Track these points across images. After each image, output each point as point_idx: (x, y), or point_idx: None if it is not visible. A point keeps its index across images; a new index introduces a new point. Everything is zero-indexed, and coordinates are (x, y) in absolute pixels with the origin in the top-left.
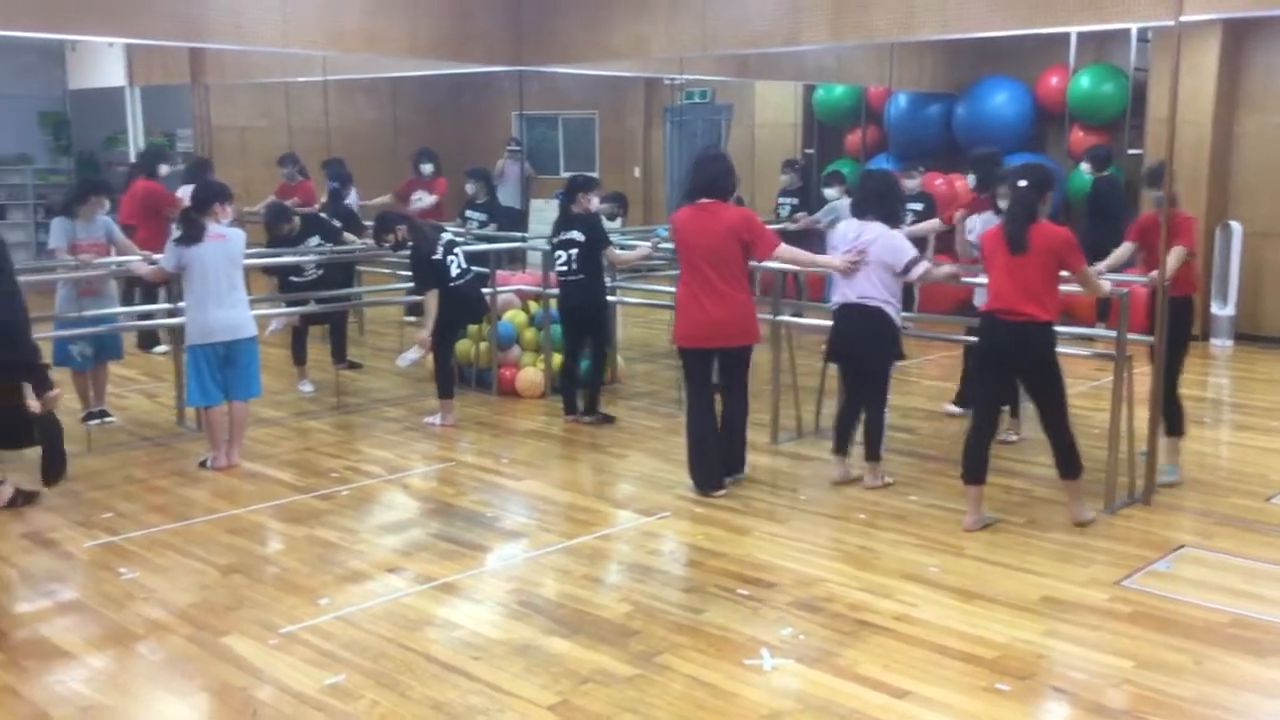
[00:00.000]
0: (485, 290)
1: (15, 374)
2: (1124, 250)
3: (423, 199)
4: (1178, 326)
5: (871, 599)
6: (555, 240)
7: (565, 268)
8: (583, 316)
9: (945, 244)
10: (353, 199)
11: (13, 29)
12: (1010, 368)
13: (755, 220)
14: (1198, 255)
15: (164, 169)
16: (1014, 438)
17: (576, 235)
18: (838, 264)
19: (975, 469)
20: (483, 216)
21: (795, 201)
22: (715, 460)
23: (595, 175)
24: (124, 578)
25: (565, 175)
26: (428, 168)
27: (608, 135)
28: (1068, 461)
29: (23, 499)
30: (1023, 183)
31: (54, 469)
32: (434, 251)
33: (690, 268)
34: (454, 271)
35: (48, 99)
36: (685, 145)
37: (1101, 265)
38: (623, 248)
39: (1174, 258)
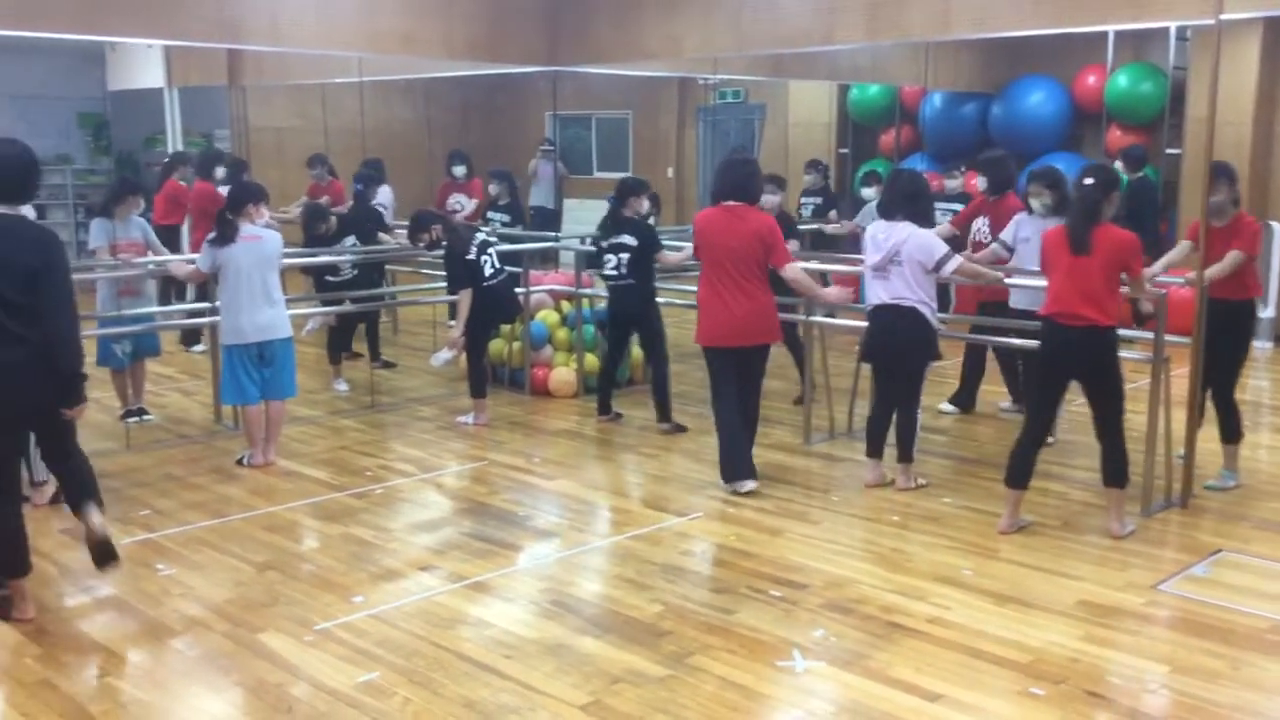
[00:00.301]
0: (518, 290)
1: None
2: (1179, 250)
3: (463, 206)
4: (1238, 331)
5: (904, 601)
6: (605, 244)
7: (615, 272)
8: (632, 322)
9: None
10: (387, 198)
11: (54, 31)
12: (1071, 373)
13: (779, 230)
14: (1257, 258)
15: (220, 171)
16: (1050, 440)
17: (628, 240)
18: (831, 297)
19: (1019, 474)
20: (505, 217)
21: (818, 201)
22: (748, 452)
23: (644, 178)
24: (161, 574)
25: (598, 175)
26: (460, 169)
27: (641, 135)
28: (1116, 469)
29: (64, 496)
30: (1088, 181)
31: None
32: (468, 251)
33: (713, 268)
34: (487, 271)
35: (87, 100)
36: (718, 145)
37: (1157, 266)
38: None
39: (1229, 261)
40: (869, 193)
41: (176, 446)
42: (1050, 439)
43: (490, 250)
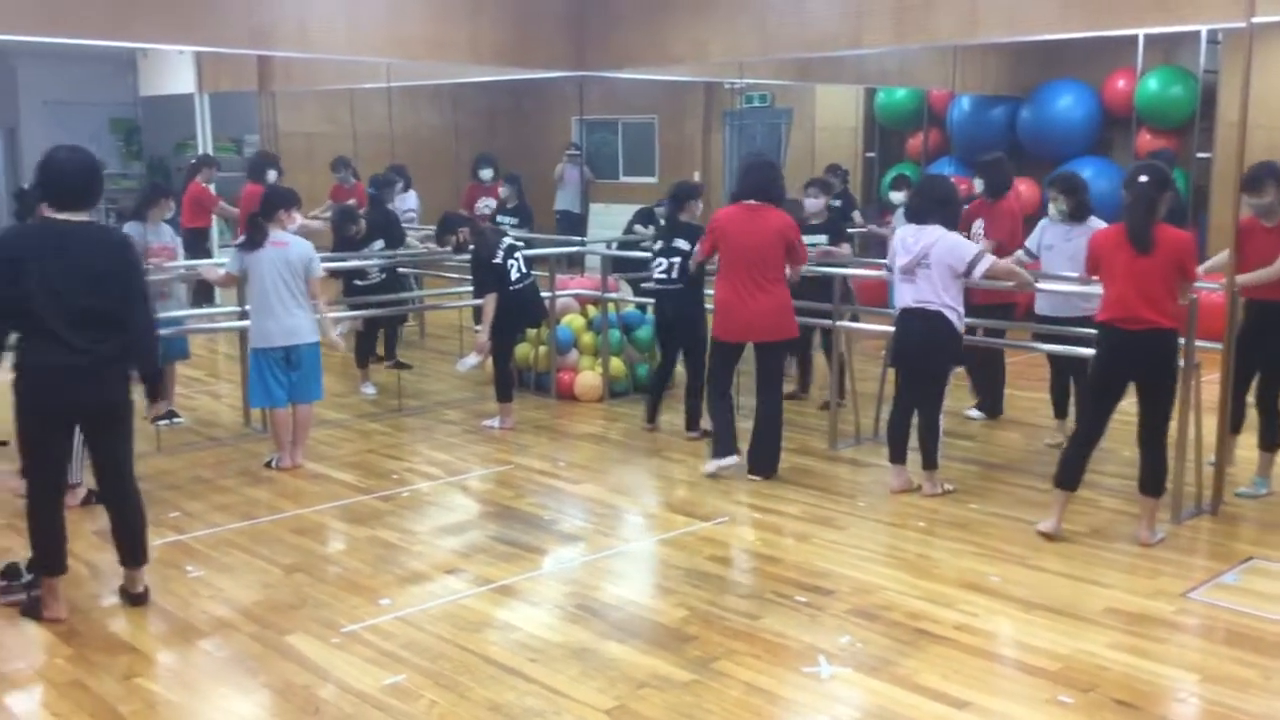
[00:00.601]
0: (544, 295)
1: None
2: (1223, 256)
3: (491, 209)
4: None
5: (931, 608)
6: (658, 248)
7: (665, 275)
8: (679, 326)
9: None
10: (414, 203)
11: (86, 37)
12: (1131, 376)
13: (798, 229)
14: None
15: (272, 174)
16: (1062, 439)
17: (682, 244)
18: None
19: (1070, 475)
20: (514, 220)
21: (837, 204)
22: (728, 432)
23: (700, 182)
24: (191, 576)
25: (624, 180)
26: (487, 173)
27: (667, 140)
28: (1155, 478)
29: (96, 498)
30: (1143, 178)
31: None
32: (494, 255)
33: (733, 265)
34: (514, 276)
35: (119, 105)
36: (745, 149)
37: (1200, 269)
38: None
39: (1277, 267)
40: (897, 197)
41: (206, 449)
42: (1064, 439)
43: (517, 255)
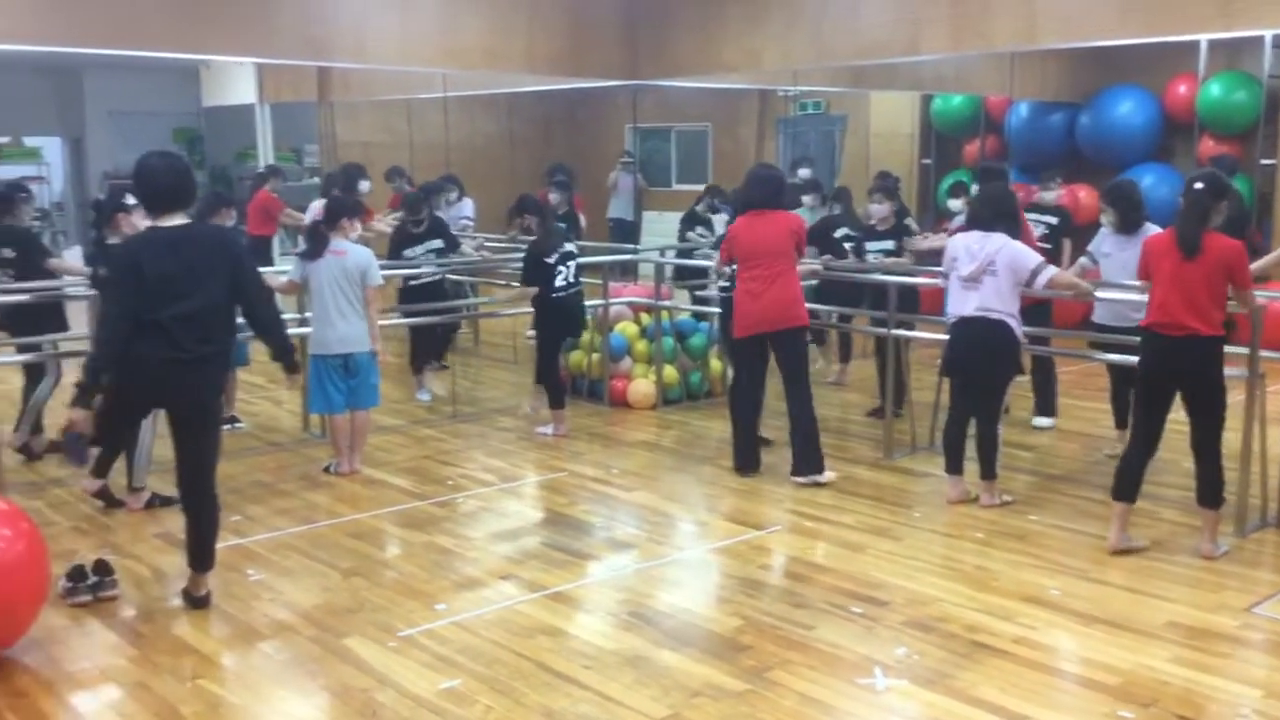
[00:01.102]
0: (599, 302)
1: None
2: (1271, 256)
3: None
4: None
5: (989, 620)
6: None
7: (729, 284)
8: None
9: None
10: (469, 210)
11: (151, 49)
12: (1172, 383)
13: (805, 227)
14: None
15: (365, 185)
16: (1112, 451)
17: None
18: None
19: (1126, 487)
20: (561, 226)
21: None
22: (754, 442)
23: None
24: (251, 579)
25: (677, 188)
26: (564, 182)
27: (720, 147)
28: (1212, 489)
29: (159, 502)
30: (1198, 185)
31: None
32: (548, 255)
33: (745, 266)
34: (559, 282)
35: (183, 115)
36: (798, 156)
37: (1254, 266)
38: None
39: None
40: (955, 204)
41: (266, 454)
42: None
43: (570, 263)
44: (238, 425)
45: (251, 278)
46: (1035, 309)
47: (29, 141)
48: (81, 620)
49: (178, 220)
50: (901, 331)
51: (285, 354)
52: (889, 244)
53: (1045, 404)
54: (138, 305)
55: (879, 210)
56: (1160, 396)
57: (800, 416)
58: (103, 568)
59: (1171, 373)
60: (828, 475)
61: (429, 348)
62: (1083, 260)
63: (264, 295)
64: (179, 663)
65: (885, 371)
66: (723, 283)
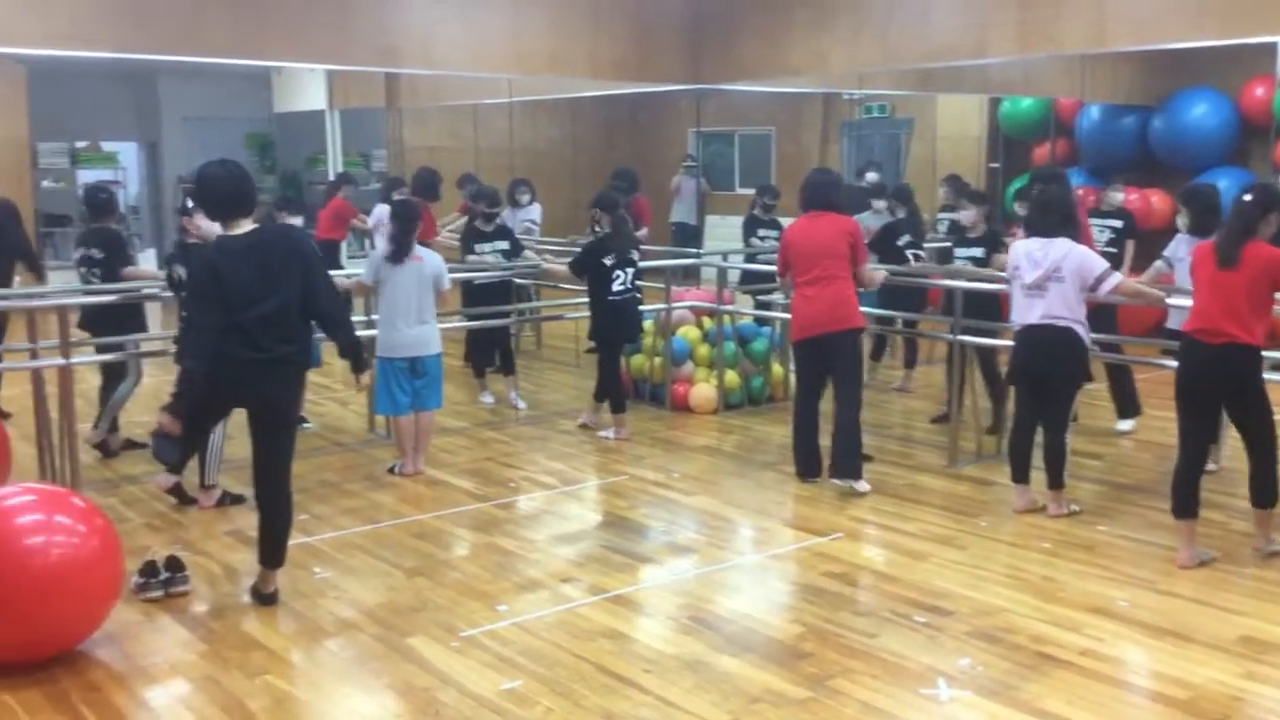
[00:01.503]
0: (660, 306)
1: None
2: None
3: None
4: None
5: (1055, 631)
6: None
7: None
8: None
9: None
10: (536, 214)
11: (224, 56)
12: (1212, 392)
13: (861, 231)
14: None
15: (470, 187)
16: (1212, 467)
17: None
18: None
19: (1186, 503)
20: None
21: (955, 216)
22: (815, 448)
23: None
24: (317, 577)
25: (740, 191)
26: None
27: (784, 151)
28: (1264, 489)
29: (230, 500)
30: (1247, 197)
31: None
32: (607, 255)
33: (800, 269)
34: (615, 286)
35: (254, 121)
36: (863, 160)
37: None
38: None
39: None
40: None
41: (333, 454)
42: (1212, 465)
43: (628, 269)
44: (305, 426)
45: (322, 278)
46: (1099, 312)
47: (106, 146)
48: (153, 615)
49: (246, 226)
50: (967, 338)
51: (355, 352)
52: (978, 252)
53: (1125, 406)
54: (222, 312)
55: (968, 216)
56: (1200, 404)
57: (844, 421)
58: (174, 564)
59: (1211, 381)
60: (862, 485)
61: (488, 350)
62: (1158, 264)
63: (335, 295)
64: (247, 658)
65: (952, 379)
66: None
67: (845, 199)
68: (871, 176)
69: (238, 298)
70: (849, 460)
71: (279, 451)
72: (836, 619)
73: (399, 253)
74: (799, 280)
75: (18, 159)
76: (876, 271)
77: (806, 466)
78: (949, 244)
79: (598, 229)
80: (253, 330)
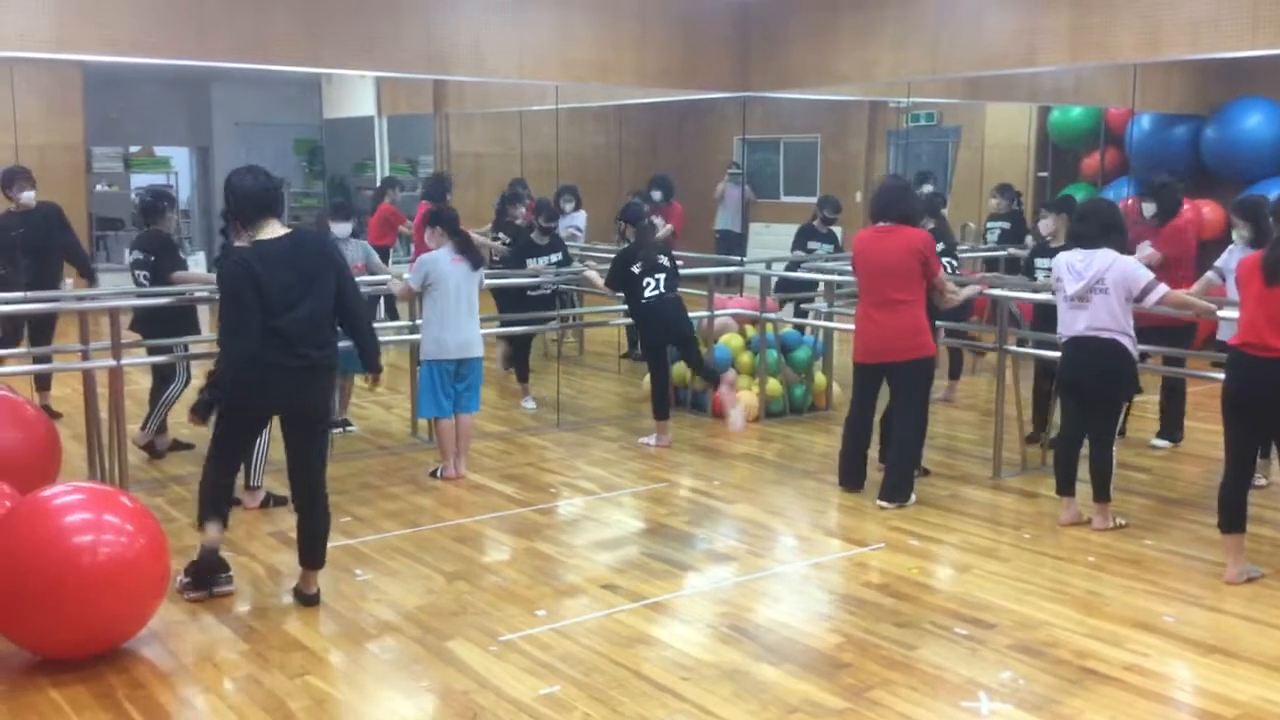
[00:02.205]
0: (703, 313)
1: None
2: None
3: (659, 228)
4: None
5: (1099, 646)
6: None
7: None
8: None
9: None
10: (580, 221)
11: (277, 64)
12: (1259, 407)
13: (934, 244)
14: None
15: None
16: (1263, 481)
17: None
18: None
19: (1233, 517)
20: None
21: (1005, 226)
22: (862, 462)
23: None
24: (359, 579)
25: (785, 200)
26: (658, 194)
27: (830, 159)
28: None
29: (274, 501)
30: None
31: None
32: (632, 264)
33: (867, 286)
34: (648, 292)
35: (304, 127)
36: (909, 169)
37: None
38: None
39: None
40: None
41: (375, 457)
42: (1262, 480)
43: (658, 274)
44: (349, 429)
45: (352, 284)
46: (1174, 330)
47: (159, 151)
48: (198, 615)
49: (277, 230)
50: (1014, 348)
51: (376, 360)
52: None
53: (1170, 426)
54: (258, 317)
55: (1048, 226)
56: (1248, 419)
57: (902, 446)
58: (219, 564)
59: (1259, 395)
60: (911, 502)
61: (527, 356)
62: (1209, 275)
63: (362, 302)
64: (288, 659)
65: (1000, 390)
66: None
67: (920, 208)
68: (926, 189)
69: (274, 300)
70: (899, 483)
71: (316, 454)
72: (876, 630)
73: (467, 255)
74: (865, 298)
75: (73, 163)
76: (957, 292)
77: (849, 477)
78: (1028, 253)
79: (627, 239)
80: (290, 335)
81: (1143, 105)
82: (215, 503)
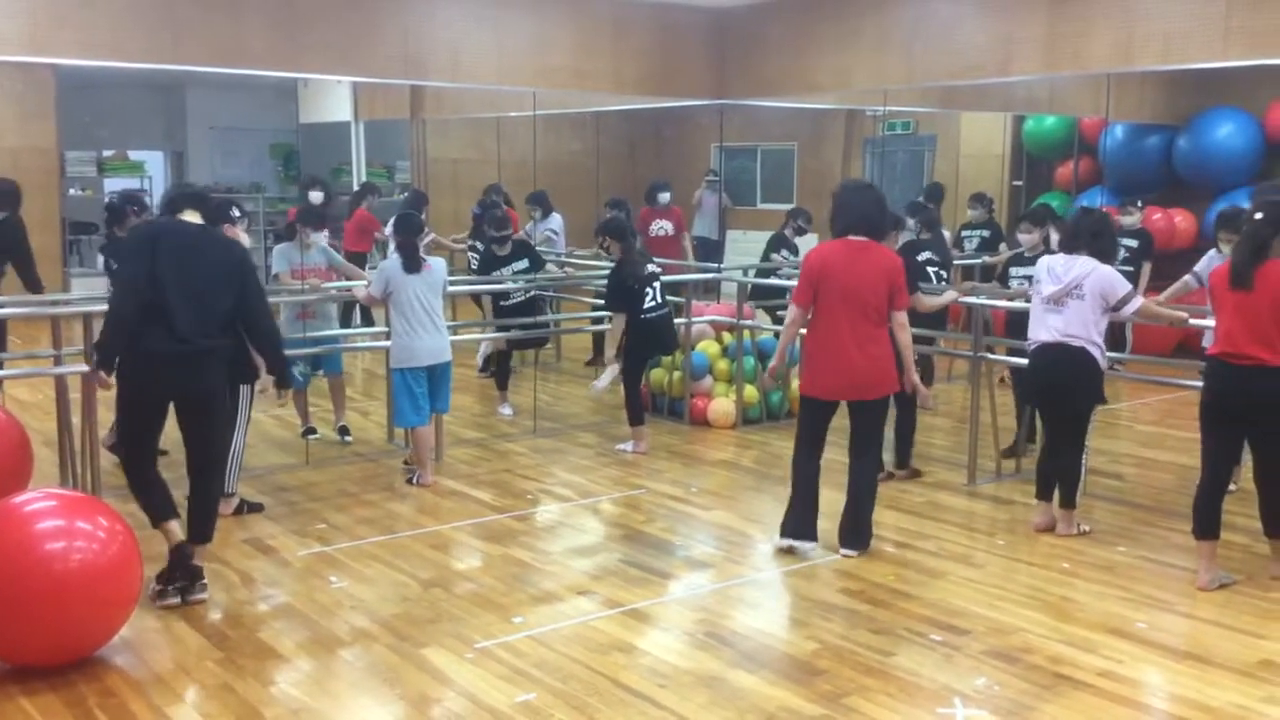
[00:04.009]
0: (680, 320)
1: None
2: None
3: (666, 231)
4: None
5: (1073, 652)
6: None
7: None
8: None
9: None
10: (557, 224)
11: (254, 68)
12: (1239, 414)
13: (904, 272)
14: None
15: (314, 196)
16: (1232, 487)
17: None
18: (914, 380)
19: (1207, 524)
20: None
21: (984, 235)
22: (814, 511)
23: (900, 215)
24: (334, 586)
25: (762, 207)
26: (664, 196)
27: (806, 167)
28: (1275, 518)
29: (247, 508)
30: (1257, 215)
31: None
32: (629, 280)
33: (830, 310)
34: (647, 304)
35: (280, 132)
36: (885, 176)
37: None
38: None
39: None
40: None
41: (352, 463)
42: (1232, 486)
43: (655, 284)
44: (346, 439)
45: (256, 290)
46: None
47: (133, 155)
48: (170, 623)
49: (193, 218)
50: (988, 354)
51: (282, 369)
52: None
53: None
54: (145, 274)
55: (1027, 239)
56: (1226, 426)
57: (861, 492)
58: (192, 571)
59: (1237, 403)
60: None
61: (508, 363)
62: (1186, 279)
63: (266, 309)
64: (262, 666)
65: (974, 398)
66: None
67: (889, 221)
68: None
69: (163, 271)
70: (862, 533)
71: (205, 433)
72: (852, 636)
73: (409, 263)
74: (824, 324)
75: (46, 167)
76: (935, 298)
77: (799, 528)
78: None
79: (609, 254)
80: (175, 319)
81: (1116, 115)
82: (149, 505)
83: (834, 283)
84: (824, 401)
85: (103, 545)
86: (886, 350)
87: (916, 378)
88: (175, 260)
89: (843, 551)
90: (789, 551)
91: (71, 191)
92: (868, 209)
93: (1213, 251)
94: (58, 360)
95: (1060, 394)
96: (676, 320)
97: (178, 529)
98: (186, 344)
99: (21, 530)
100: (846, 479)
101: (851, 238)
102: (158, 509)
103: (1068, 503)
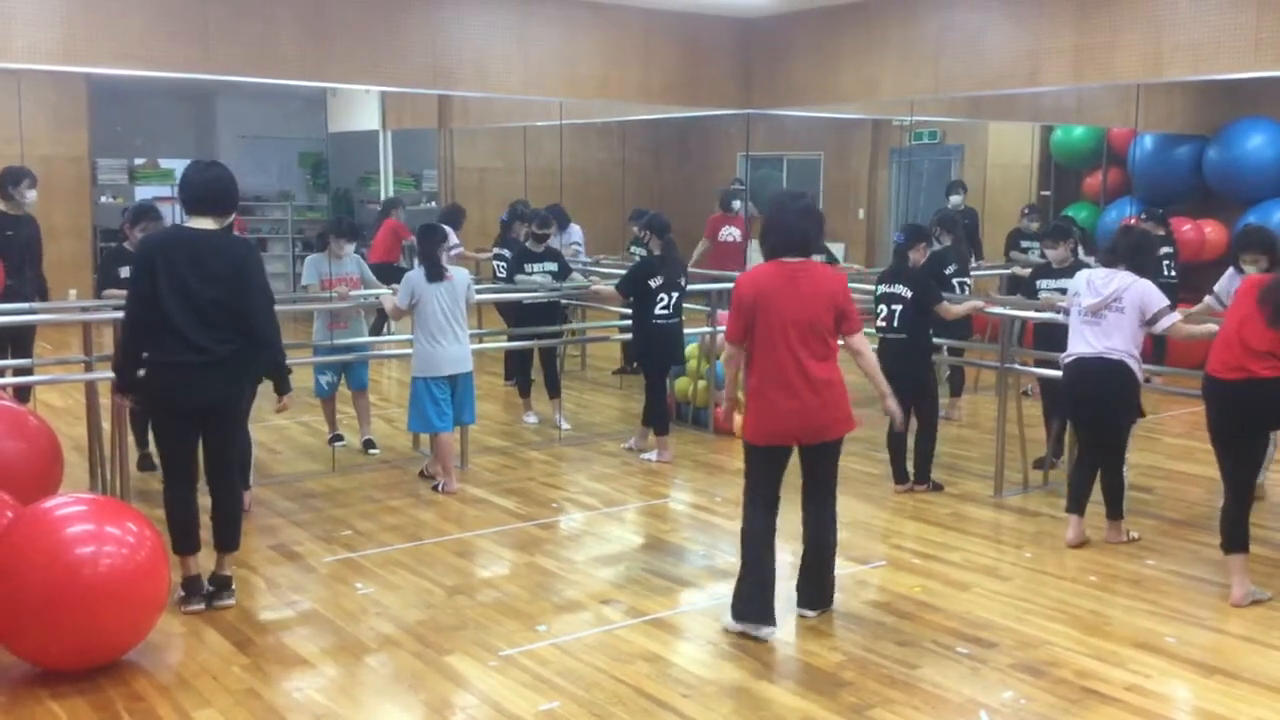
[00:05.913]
0: (705, 329)
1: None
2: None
3: (735, 237)
4: None
5: (1101, 667)
6: (879, 293)
7: (885, 324)
8: (903, 380)
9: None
10: (578, 235)
11: (284, 78)
12: (1238, 429)
13: (849, 291)
14: None
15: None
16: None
17: (902, 290)
18: (891, 406)
19: (1234, 538)
20: (643, 252)
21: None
22: (771, 581)
23: (925, 225)
24: (359, 592)
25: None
26: (736, 204)
27: (832, 177)
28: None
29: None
30: None
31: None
32: (653, 277)
33: (770, 345)
34: (659, 309)
35: (309, 140)
36: (912, 186)
37: None
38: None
39: None
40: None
41: (377, 470)
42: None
43: (673, 293)
44: (372, 451)
45: (258, 290)
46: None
47: (164, 163)
48: (197, 628)
49: (206, 224)
50: (1018, 366)
51: (279, 375)
52: (1065, 282)
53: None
54: (150, 291)
55: (1054, 254)
56: (1231, 443)
57: (822, 543)
58: (220, 579)
59: (1234, 419)
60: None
61: (527, 370)
62: (1208, 300)
63: (269, 312)
64: (288, 672)
65: (1001, 409)
66: (879, 323)
67: (821, 234)
68: (955, 200)
69: (167, 286)
70: (827, 590)
71: (223, 441)
72: (877, 648)
73: (431, 273)
74: (766, 360)
75: (78, 175)
76: (959, 304)
77: (758, 611)
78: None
79: (648, 249)
80: (188, 330)
81: (1145, 125)
82: (177, 533)
83: (772, 314)
84: (777, 448)
85: (131, 550)
86: (840, 383)
87: (894, 403)
88: (177, 271)
89: (801, 613)
90: (742, 635)
91: (103, 199)
92: (800, 223)
93: (1231, 270)
94: (88, 366)
95: (1098, 408)
96: (700, 329)
97: (193, 565)
98: (205, 353)
99: (51, 535)
100: (802, 531)
101: (785, 259)
102: (179, 538)
103: (1115, 513)
